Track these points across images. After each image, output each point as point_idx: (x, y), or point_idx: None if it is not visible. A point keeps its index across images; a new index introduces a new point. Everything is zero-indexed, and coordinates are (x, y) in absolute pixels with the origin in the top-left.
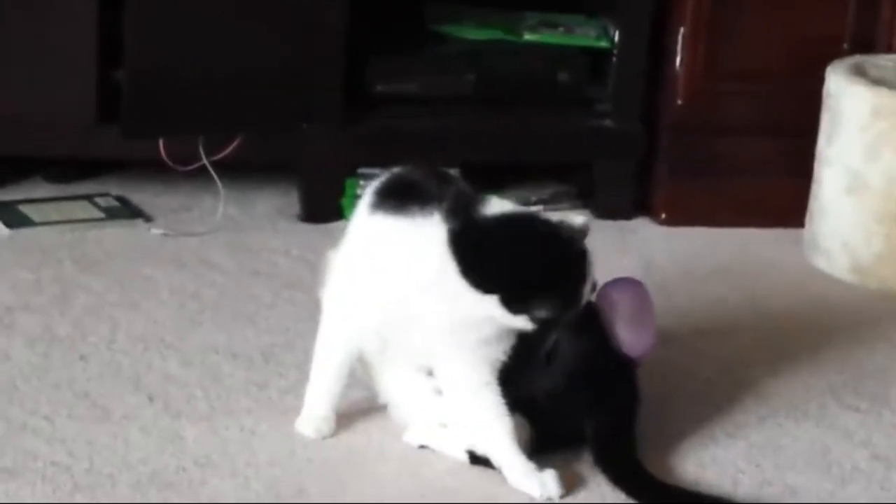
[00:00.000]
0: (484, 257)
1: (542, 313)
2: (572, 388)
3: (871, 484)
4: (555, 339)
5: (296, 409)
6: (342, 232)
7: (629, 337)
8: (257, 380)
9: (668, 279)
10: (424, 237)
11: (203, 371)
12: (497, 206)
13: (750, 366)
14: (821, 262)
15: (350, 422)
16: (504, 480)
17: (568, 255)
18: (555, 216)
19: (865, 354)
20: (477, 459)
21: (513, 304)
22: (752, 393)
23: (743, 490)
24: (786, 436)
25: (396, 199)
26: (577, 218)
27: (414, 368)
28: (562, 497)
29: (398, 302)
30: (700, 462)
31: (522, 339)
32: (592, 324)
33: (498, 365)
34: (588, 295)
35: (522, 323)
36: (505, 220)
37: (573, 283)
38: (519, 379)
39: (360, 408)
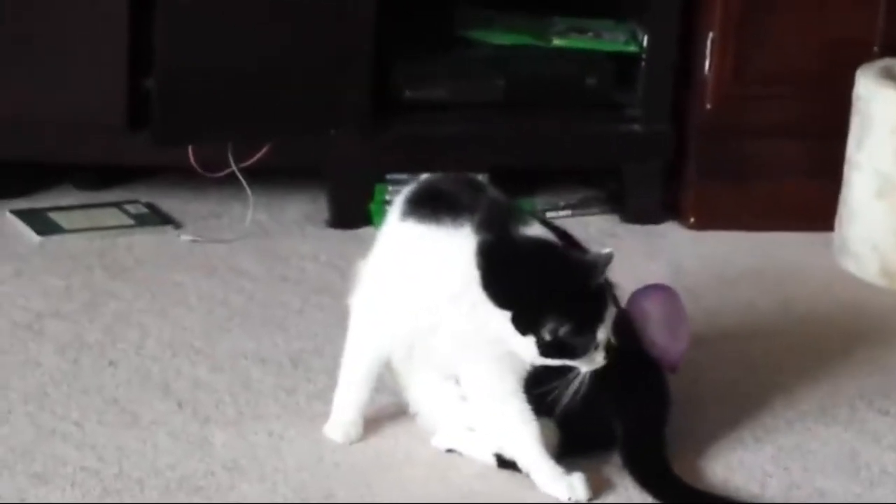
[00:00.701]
0: (505, 273)
1: (548, 335)
2: (602, 391)
3: None
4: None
5: (324, 415)
6: (371, 238)
7: (663, 343)
8: (286, 385)
9: (697, 283)
10: (454, 246)
11: (232, 377)
12: (531, 226)
13: (779, 369)
14: (850, 266)
15: (378, 426)
16: (532, 484)
17: (587, 283)
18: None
19: (895, 358)
20: (505, 463)
21: (522, 322)
22: (781, 396)
23: (771, 493)
24: (814, 439)
25: (428, 207)
26: (602, 251)
27: (441, 375)
28: (590, 500)
29: (426, 310)
30: (728, 465)
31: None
32: (621, 328)
33: (523, 373)
34: (607, 329)
35: (529, 349)
36: (534, 242)
37: (587, 311)
38: (547, 382)
39: (387, 413)
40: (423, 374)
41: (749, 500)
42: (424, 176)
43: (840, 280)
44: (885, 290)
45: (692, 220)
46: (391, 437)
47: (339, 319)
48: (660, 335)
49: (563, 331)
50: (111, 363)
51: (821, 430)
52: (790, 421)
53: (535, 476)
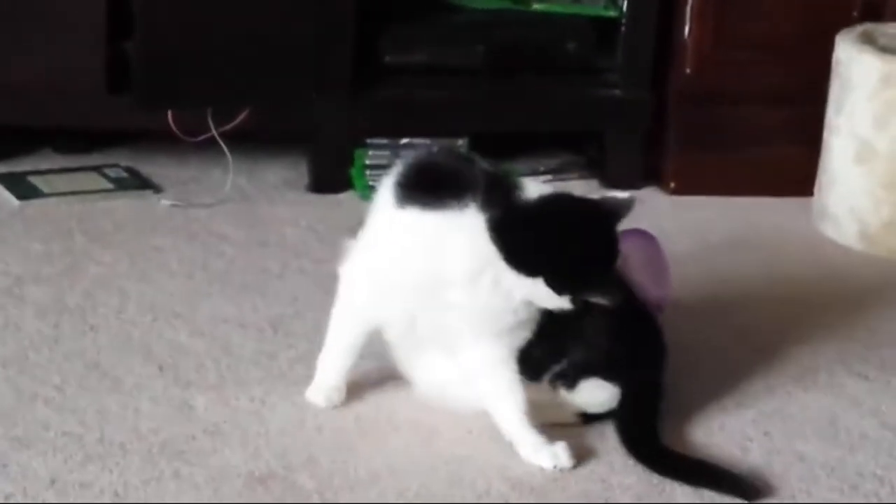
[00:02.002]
0: (528, 241)
1: (588, 294)
2: (603, 350)
3: (879, 452)
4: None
5: (305, 379)
6: (351, 202)
7: (645, 286)
8: (267, 350)
9: (678, 248)
10: (463, 229)
11: (213, 341)
12: (533, 189)
13: (759, 334)
14: (830, 231)
15: (360, 391)
16: (513, 448)
17: (610, 233)
18: (598, 194)
19: (874, 322)
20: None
21: (559, 284)
22: (762, 361)
23: (752, 458)
24: (794, 404)
25: (426, 191)
26: (620, 193)
27: (443, 353)
28: (573, 466)
29: (433, 294)
30: (709, 430)
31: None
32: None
33: (516, 349)
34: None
35: (564, 303)
36: (545, 203)
37: (613, 262)
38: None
39: (370, 378)
40: (426, 352)
41: (730, 465)
42: (409, 155)
43: (819, 245)
44: (863, 254)
45: (672, 185)
46: (374, 402)
47: (320, 284)
48: (642, 278)
49: (600, 284)
50: (92, 328)
51: (801, 394)
52: (770, 386)
53: (519, 447)
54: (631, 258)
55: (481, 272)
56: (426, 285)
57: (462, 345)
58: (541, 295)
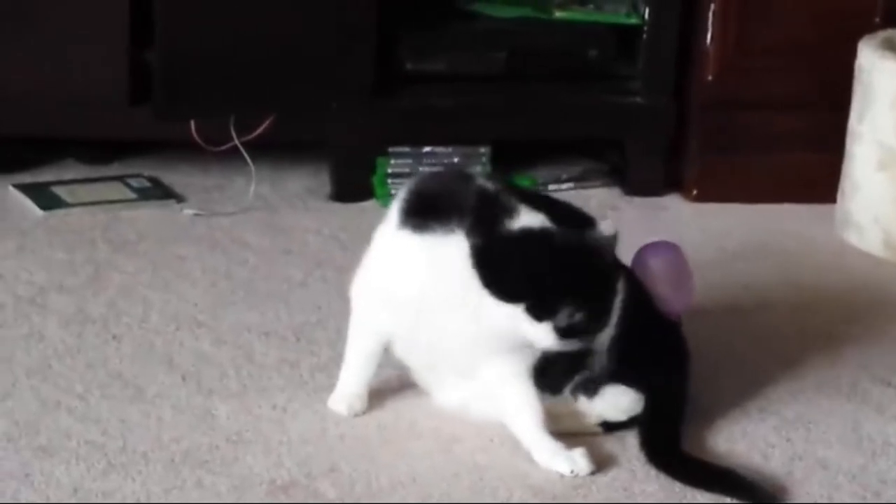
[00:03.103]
0: (507, 268)
1: (566, 321)
2: (628, 363)
3: None
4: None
5: (328, 387)
6: (373, 211)
7: (668, 299)
8: (289, 358)
9: (700, 256)
10: (448, 254)
11: (235, 350)
12: (526, 218)
13: (782, 341)
14: (853, 238)
15: (382, 399)
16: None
17: (595, 265)
18: (581, 232)
19: None
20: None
21: (537, 310)
22: (784, 368)
23: (773, 464)
24: (817, 410)
25: (419, 216)
26: (606, 227)
27: (458, 376)
28: (592, 472)
29: (429, 315)
30: (731, 436)
31: None
32: (639, 294)
33: (532, 363)
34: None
35: (546, 335)
36: (529, 233)
37: (600, 292)
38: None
39: (391, 386)
40: (438, 371)
41: (752, 472)
42: (418, 175)
43: (842, 252)
44: (887, 261)
45: (694, 192)
46: (395, 410)
47: (342, 292)
48: (665, 291)
49: (579, 315)
50: (115, 337)
51: (823, 401)
52: (793, 392)
53: (536, 454)
54: (654, 270)
55: (465, 297)
56: (422, 306)
57: (471, 364)
58: (521, 322)
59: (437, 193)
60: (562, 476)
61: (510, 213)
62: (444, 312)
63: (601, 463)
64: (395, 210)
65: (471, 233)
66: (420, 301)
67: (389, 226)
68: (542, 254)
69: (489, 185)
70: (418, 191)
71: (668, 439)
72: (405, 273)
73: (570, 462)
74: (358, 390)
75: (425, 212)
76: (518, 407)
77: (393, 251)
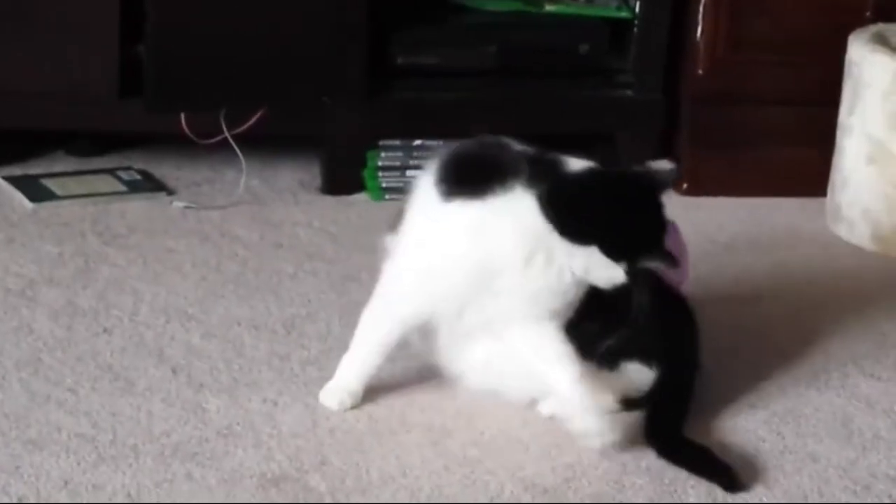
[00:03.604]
0: (580, 210)
1: (642, 260)
2: (644, 338)
3: (892, 452)
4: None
5: (318, 381)
6: (363, 204)
7: (665, 275)
8: (280, 351)
9: (691, 249)
10: (512, 212)
11: (225, 343)
12: (575, 164)
13: (772, 335)
14: (843, 232)
15: (373, 393)
16: (526, 449)
17: (657, 201)
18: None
19: (887, 324)
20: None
21: (614, 252)
22: (774, 362)
23: (764, 458)
24: (807, 404)
25: (469, 181)
26: (664, 164)
27: (489, 337)
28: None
29: (484, 283)
30: (722, 430)
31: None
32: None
33: (563, 322)
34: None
35: (619, 274)
36: (592, 175)
37: (663, 225)
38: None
39: (382, 380)
40: (472, 343)
41: (741, 465)
42: (444, 150)
43: (832, 246)
44: (876, 255)
45: (685, 186)
46: (386, 404)
47: (333, 285)
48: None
49: (654, 248)
50: (105, 330)
51: (813, 395)
52: (783, 386)
53: (573, 403)
54: None
55: (534, 253)
56: (478, 275)
57: (511, 330)
58: (596, 266)
59: (479, 159)
60: (554, 469)
61: (561, 162)
62: (503, 275)
63: (593, 456)
64: (431, 186)
65: (532, 183)
66: (479, 268)
67: (431, 202)
68: (610, 191)
69: (519, 145)
70: (454, 162)
71: (671, 419)
72: (462, 242)
73: (606, 431)
74: (354, 386)
75: (472, 179)
76: (557, 367)
77: (445, 224)
